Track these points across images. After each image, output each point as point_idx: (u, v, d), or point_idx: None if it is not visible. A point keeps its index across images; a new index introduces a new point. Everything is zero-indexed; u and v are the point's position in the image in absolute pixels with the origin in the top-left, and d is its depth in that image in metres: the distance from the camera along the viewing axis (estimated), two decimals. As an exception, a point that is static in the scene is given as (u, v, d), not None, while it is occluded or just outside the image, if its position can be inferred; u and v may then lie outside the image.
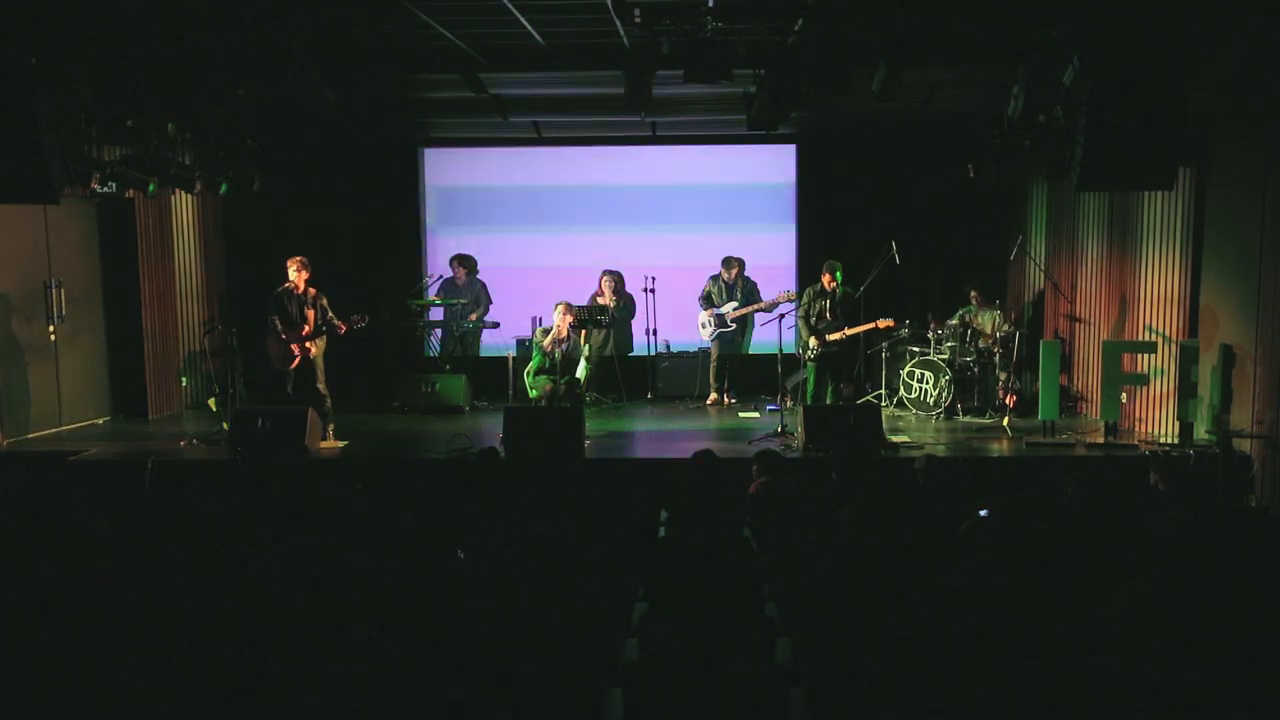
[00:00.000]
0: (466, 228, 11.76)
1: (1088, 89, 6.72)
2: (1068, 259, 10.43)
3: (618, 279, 10.90)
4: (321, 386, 8.71)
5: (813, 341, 9.38)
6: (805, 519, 5.69)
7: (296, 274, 8.56)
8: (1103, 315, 9.67)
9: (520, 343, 10.85)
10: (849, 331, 9.35)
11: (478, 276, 11.15)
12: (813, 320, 9.45)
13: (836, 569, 4.73)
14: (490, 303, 11.10)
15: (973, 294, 10.32)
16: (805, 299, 9.60)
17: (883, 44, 7.54)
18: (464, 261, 11.07)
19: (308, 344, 8.55)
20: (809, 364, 9.50)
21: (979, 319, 10.18)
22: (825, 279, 9.43)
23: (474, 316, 10.93)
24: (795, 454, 8.07)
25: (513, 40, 7.85)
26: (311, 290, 8.63)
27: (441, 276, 11.24)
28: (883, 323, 9.50)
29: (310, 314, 8.56)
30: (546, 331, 9.35)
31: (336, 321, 8.58)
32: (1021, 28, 7.21)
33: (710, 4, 6.90)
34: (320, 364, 8.68)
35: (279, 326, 8.56)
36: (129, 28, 7.28)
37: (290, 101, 8.26)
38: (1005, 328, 9.97)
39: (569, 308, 9.37)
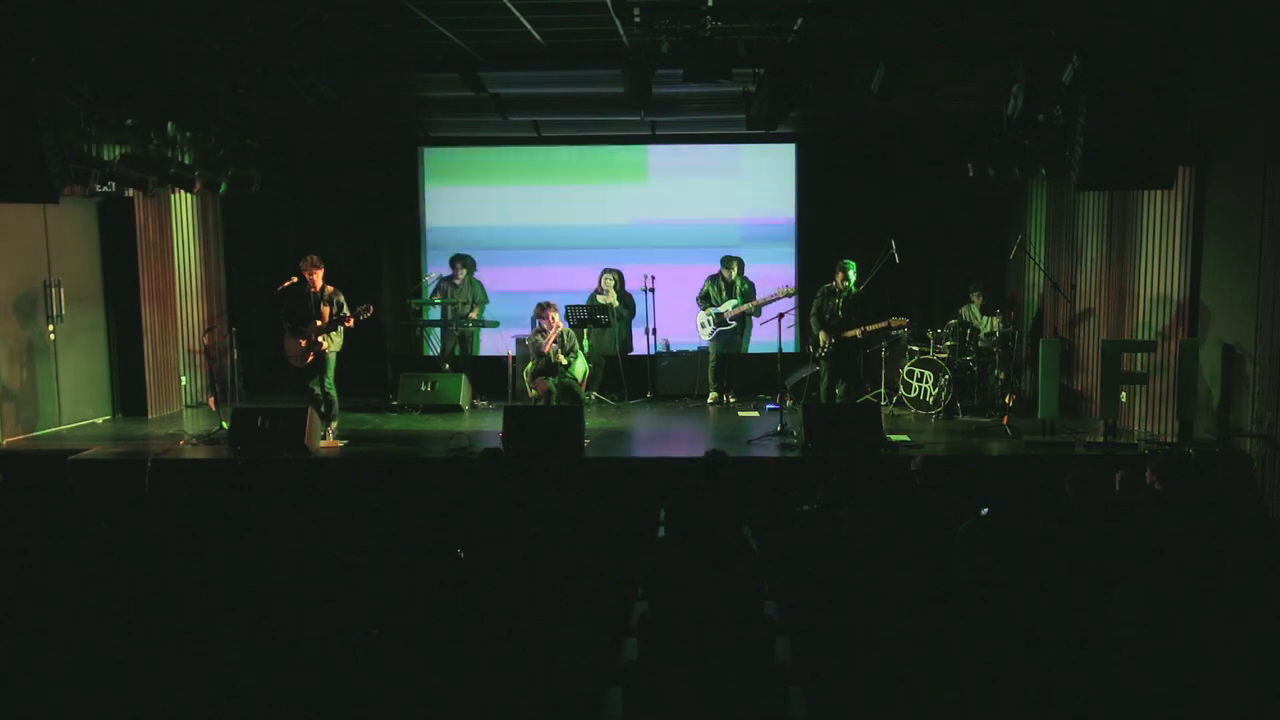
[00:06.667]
0: (466, 226, 11.76)
1: (1088, 89, 6.73)
2: (1068, 259, 10.43)
3: (618, 277, 10.90)
4: (330, 385, 8.73)
5: (822, 337, 9.37)
6: (806, 518, 5.69)
7: (310, 273, 8.60)
8: (1103, 315, 9.67)
9: (520, 341, 10.84)
10: (867, 329, 9.33)
11: (475, 276, 11.16)
12: (825, 317, 9.43)
13: (836, 569, 4.73)
14: (486, 301, 11.09)
15: (975, 295, 10.29)
16: (818, 297, 9.58)
17: (883, 43, 7.54)
18: (464, 261, 11.06)
19: (320, 339, 8.58)
20: (821, 361, 9.48)
21: (979, 320, 10.17)
22: (839, 277, 9.40)
23: (473, 315, 10.93)
24: (795, 453, 8.07)
25: (513, 40, 7.85)
26: (329, 288, 8.68)
27: (440, 276, 11.23)
28: (896, 321, 9.50)
29: (326, 310, 8.61)
30: (543, 333, 9.34)
31: (346, 313, 8.62)
32: (1021, 27, 7.21)
33: (710, 3, 6.90)
34: (333, 361, 8.71)
35: (288, 324, 8.63)
36: (129, 28, 7.28)
37: (290, 101, 8.27)
38: (1005, 327, 9.96)
39: (553, 307, 9.39)
